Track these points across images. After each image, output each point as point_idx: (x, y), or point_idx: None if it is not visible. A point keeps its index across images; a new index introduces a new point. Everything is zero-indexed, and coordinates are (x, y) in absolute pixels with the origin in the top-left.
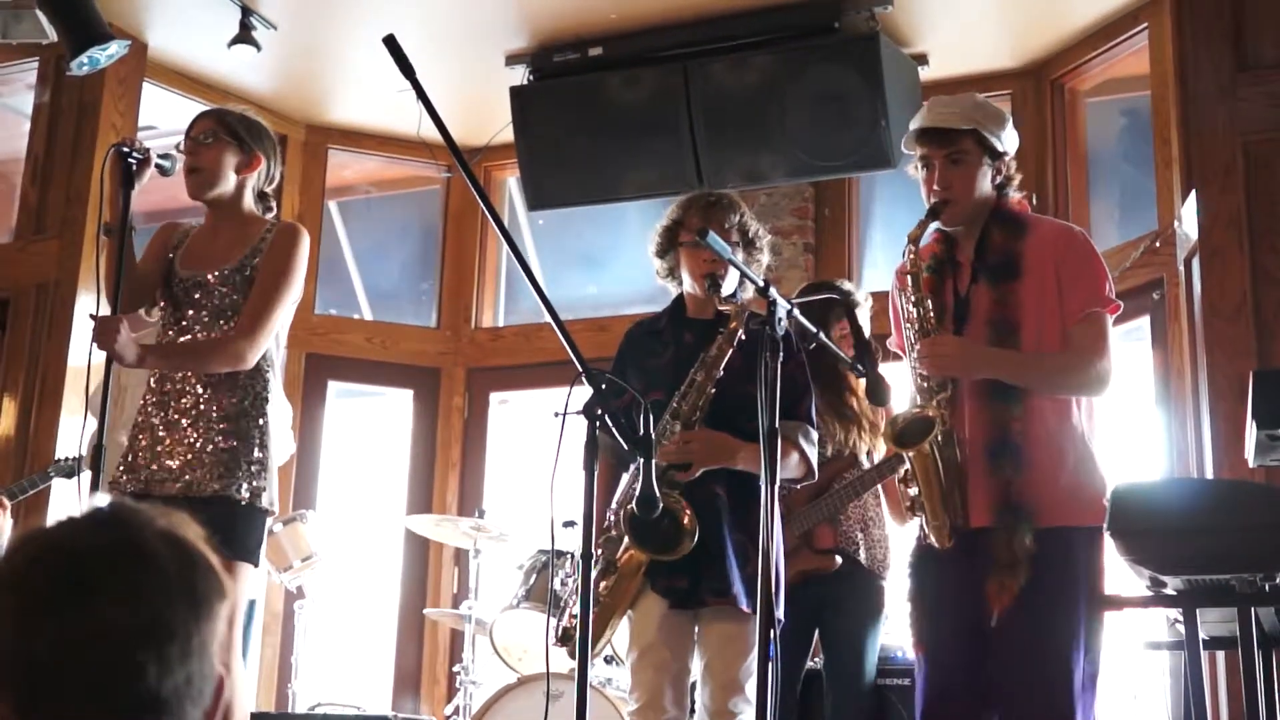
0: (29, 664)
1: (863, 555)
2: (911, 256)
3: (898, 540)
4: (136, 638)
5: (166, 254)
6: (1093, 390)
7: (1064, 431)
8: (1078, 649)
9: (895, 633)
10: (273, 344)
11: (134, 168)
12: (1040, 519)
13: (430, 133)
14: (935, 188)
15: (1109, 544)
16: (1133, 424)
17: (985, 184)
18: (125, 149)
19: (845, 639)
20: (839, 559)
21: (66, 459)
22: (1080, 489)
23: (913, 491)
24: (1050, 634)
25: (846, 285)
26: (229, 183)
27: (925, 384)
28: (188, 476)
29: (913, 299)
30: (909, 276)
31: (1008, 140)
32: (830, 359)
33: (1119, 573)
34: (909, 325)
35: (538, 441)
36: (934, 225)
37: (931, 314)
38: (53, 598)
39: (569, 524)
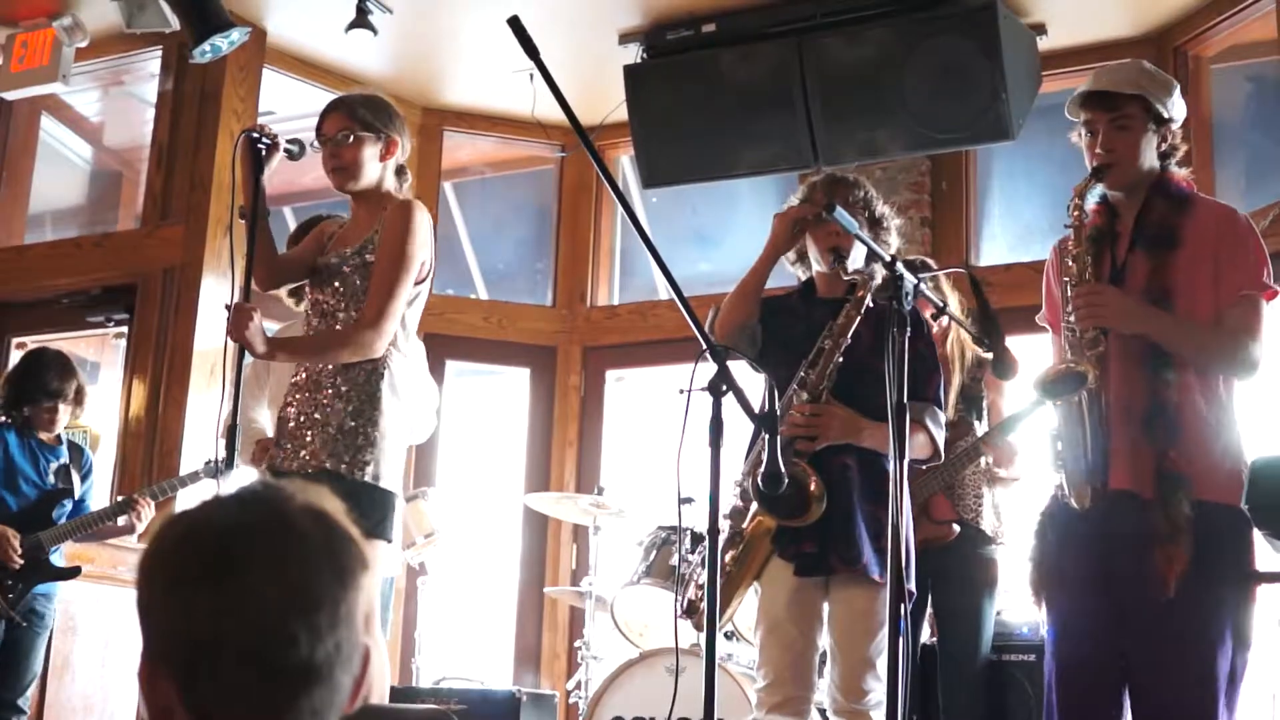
0: (187, 641)
1: (984, 523)
2: (1076, 211)
3: (1017, 506)
4: (286, 607)
5: (321, 245)
6: (1241, 372)
7: (1214, 407)
8: (1227, 629)
9: (1015, 608)
10: (399, 326)
11: (263, 153)
12: (1196, 490)
13: (544, 113)
14: (1098, 151)
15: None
16: (1268, 398)
17: (1150, 151)
18: (255, 134)
19: (960, 613)
20: (956, 528)
21: (213, 461)
22: (1228, 467)
23: (1058, 447)
24: (1201, 612)
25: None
26: (374, 173)
27: (1079, 338)
28: (320, 457)
29: (1073, 253)
30: (1072, 230)
31: (1175, 108)
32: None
33: (1257, 548)
34: (1067, 280)
35: (654, 418)
36: (1097, 192)
37: (1090, 267)
38: (203, 574)
39: (687, 500)
